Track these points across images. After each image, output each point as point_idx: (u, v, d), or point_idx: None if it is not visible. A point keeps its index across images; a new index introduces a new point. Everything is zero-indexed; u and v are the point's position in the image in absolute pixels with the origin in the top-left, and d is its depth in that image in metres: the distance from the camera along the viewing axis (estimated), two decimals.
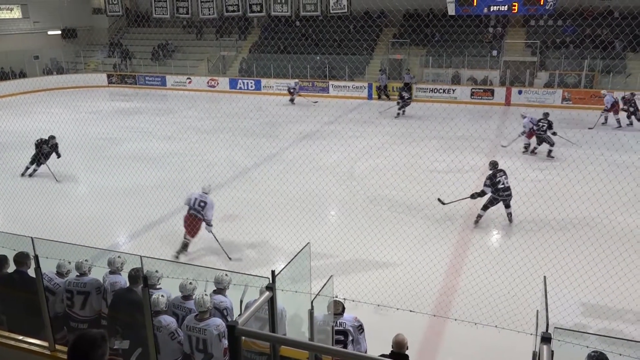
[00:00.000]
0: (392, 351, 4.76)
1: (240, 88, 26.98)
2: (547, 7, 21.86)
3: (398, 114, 20.14)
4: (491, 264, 7.72)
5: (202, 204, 8.58)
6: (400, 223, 9.72)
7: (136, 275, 5.09)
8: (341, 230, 8.84)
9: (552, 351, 4.06)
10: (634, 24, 22.05)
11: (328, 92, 25.05)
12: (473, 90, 23.03)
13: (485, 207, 9.82)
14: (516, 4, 22.26)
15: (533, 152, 15.07)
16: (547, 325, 4.10)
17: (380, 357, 3.61)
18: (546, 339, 4.12)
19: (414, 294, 6.77)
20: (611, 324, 6.48)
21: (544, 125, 14.51)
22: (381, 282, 7.29)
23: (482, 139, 15.68)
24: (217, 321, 4.80)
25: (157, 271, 5.36)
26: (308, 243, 5.08)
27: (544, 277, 4.70)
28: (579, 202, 9.85)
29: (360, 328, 5.11)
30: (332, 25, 26.98)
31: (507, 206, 9.94)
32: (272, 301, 4.10)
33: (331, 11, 24.70)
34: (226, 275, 5.40)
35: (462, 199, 10.05)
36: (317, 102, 22.45)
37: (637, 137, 16.50)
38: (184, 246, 8.69)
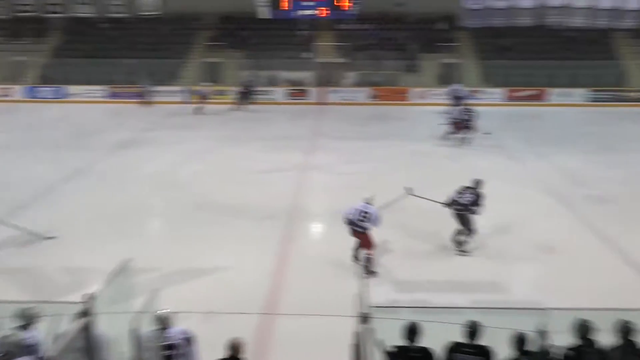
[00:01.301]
0: (230, 356, 4.72)
1: (43, 97, 24.36)
2: (351, 12, 23.69)
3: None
4: (313, 255, 8.11)
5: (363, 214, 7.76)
6: (226, 226, 9.67)
7: None
8: (164, 241, 8.54)
9: (371, 328, 4.43)
10: (422, 28, 24.94)
11: (143, 98, 23.85)
12: (289, 91, 23.84)
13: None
14: (324, 8, 23.73)
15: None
16: (365, 305, 4.45)
17: None
18: (364, 318, 4.48)
19: (242, 296, 6.82)
20: (418, 296, 7.23)
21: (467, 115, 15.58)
22: (210, 289, 7.20)
23: (301, 138, 16.36)
24: None
25: None
26: (127, 259, 4.82)
27: (359, 262, 5.09)
28: (385, 189, 10.82)
29: (190, 340, 4.98)
30: (142, 28, 25.83)
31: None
32: (87, 328, 3.81)
33: (141, 13, 23.70)
34: (28, 308, 4.83)
35: (436, 201, 9.06)
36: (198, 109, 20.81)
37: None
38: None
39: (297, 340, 6.18)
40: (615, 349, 4.27)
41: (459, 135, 15.67)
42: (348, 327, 4.96)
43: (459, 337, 4.59)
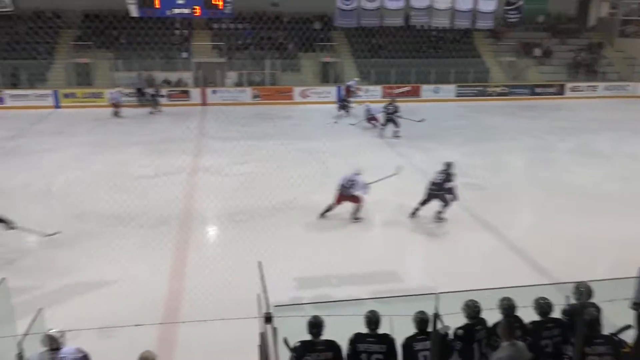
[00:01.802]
0: None
1: None
2: (226, 11, 23.39)
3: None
4: (211, 259, 7.94)
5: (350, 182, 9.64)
6: (112, 236, 9.11)
7: None
8: (44, 256, 7.86)
9: (276, 328, 4.43)
10: (298, 28, 25.35)
11: (3, 103, 21.70)
12: (169, 92, 23.03)
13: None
14: (198, 7, 23.16)
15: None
16: (268, 305, 4.44)
17: None
18: (268, 318, 4.47)
19: (139, 308, 6.50)
20: (320, 291, 7.38)
21: (391, 109, 16.62)
22: (102, 302, 6.77)
23: (184, 140, 15.86)
24: None
25: None
26: (3, 279, 4.38)
27: (259, 262, 5.08)
28: (278, 188, 10.91)
29: (85, 358, 4.65)
30: None
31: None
32: None
33: None
34: None
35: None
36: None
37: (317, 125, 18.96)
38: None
39: (202, 347, 6.01)
40: (501, 325, 4.67)
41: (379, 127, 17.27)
42: (253, 328, 4.93)
43: (363, 328, 4.74)
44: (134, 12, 21.47)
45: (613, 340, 4.76)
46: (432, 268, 8.31)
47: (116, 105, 20.13)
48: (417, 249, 9.21)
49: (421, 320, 4.71)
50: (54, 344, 4.53)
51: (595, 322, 4.76)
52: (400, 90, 24.19)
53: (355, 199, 9.85)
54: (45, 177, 12.37)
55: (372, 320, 4.71)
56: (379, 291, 7.31)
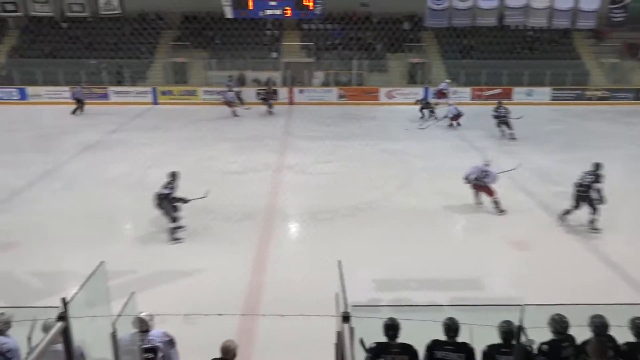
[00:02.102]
0: (220, 358, 4.66)
1: (1, 98, 23.58)
2: (316, 12, 23.72)
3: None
4: (292, 256, 8.10)
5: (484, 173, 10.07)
6: (200, 228, 9.56)
7: None
8: (139, 243, 8.38)
9: (352, 327, 4.44)
10: (387, 28, 25.21)
11: (108, 99, 23.38)
12: (258, 91, 23.72)
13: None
14: (289, 8, 23.68)
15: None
16: (346, 305, 4.45)
17: None
18: (346, 317, 4.47)
19: (222, 298, 6.76)
20: (398, 294, 7.30)
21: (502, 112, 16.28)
22: (188, 291, 7.10)
23: (271, 137, 16.29)
24: None
25: None
26: (102, 262, 4.71)
27: (339, 261, 5.10)
28: (361, 188, 10.92)
29: (170, 342, 4.91)
30: (103, 28, 25.28)
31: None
32: (66, 332, 3.71)
33: (102, 12, 23.17)
34: (1, 313, 4.70)
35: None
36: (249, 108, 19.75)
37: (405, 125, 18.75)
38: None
39: (280, 340, 6.15)
40: (591, 344, 4.39)
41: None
42: (330, 326, 4.96)
43: (439, 335, 4.64)
44: (228, 13, 22.36)
45: None
46: (518, 278, 7.95)
47: (229, 104, 20.42)
48: (501, 257, 8.84)
49: (507, 331, 4.52)
50: (143, 327, 4.82)
51: None
52: (491, 92, 23.36)
53: (489, 191, 10.14)
54: (141, 169, 13.18)
55: (452, 327, 4.60)
56: (459, 298, 7.12)
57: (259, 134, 16.60)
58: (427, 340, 4.62)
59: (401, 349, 4.59)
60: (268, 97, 21.29)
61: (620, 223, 10.41)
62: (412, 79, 24.94)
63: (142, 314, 4.85)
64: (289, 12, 23.36)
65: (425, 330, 4.60)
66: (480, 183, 10.23)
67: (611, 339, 4.55)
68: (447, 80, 21.99)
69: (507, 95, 23.42)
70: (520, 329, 4.42)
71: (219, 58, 24.90)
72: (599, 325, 4.55)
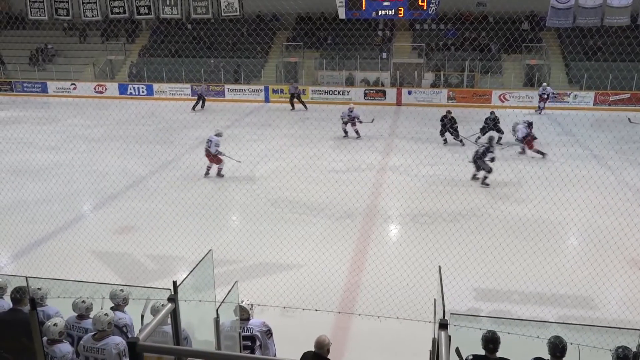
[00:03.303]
0: (316, 353, 4.75)
1: (131, 93, 25.83)
2: (430, 12, 23.18)
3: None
4: (390, 257, 8.03)
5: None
6: (302, 224, 9.80)
7: (19, 297, 4.71)
8: (244, 235, 8.76)
9: (450, 336, 4.31)
10: (505, 28, 24.08)
11: (224, 96, 24.72)
12: (366, 91, 23.81)
13: None
14: (402, 8, 23.32)
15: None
16: (444, 312, 4.33)
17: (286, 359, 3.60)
18: (443, 325, 4.35)
19: (319, 293, 6.87)
20: (500, 306, 6.99)
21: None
22: (286, 284, 7.31)
23: (377, 138, 16.27)
24: (117, 339, 4.56)
25: (39, 288, 4.99)
26: (210, 250, 4.98)
27: (439, 266, 4.96)
28: (466, 194, 10.56)
29: (268, 332, 5.08)
30: (224, 28, 26.68)
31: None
32: (175, 313, 3.97)
33: (223, 14, 24.45)
34: (121, 290, 5.14)
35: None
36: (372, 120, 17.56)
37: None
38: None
39: (374, 341, 6.15)
40: None
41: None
42: (425, 332, 4.86)
43: (542, 352, 4.37)
44: (342, 14, 22.63)
45: None
46: (636, 300, 7.26)
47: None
48: (619, 275, 8.11)
49: (621, 356, 4.16)
50: (244, 315, 5.04)
51: None
52: (618, 97, 21.53)
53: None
54: (251, 164, 13.77)
55: (558, 347, 4.31)
56: (568, 316, 6.66)
57: (365, 134, 16.63)
58: (528, 357, 4.38)
59: None
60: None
61: None
62: (529, 82, 23.68)
63: (243, 303, 5.07)
64: (401, 12, 23.09)
65: (527, 346, 4.37)
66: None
67: None
68: (544, 84, 20.58)
69: (638, 100, 21.48)
70: (638, 355, 4.05)
71: (330, 58, 25.32)
72: None
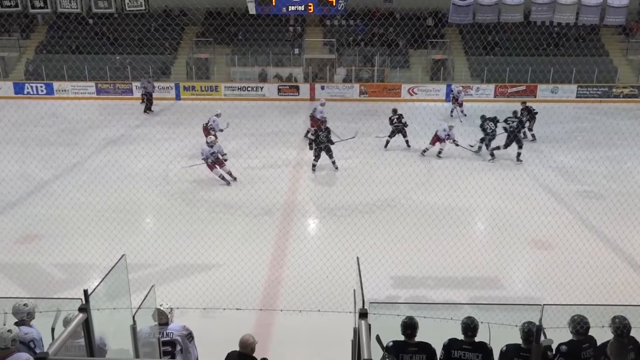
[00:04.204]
0: (241, 352, 4.70)
1: (29, 93, 24.09)
2: (339, 8, 23.63)
3: None
4: (309, 252, 8.10)
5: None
6: (220, 223, 9.66)
7: None
8: (159, 237, 8.47)
9: (370, 324, 4.43)
10: (410, 25, 24.98)
11: (132, 94, 23.71)
12: (279, 87, 23.80)
13: None
14: (312, 4, 23.60)
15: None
16: (363, 301, 4.44)
17: None
18: (363, 314, 4.46)
19: (240, 292, 6.81)
20: (416, 292, 7.28)
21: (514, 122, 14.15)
22: (205, 284, 7.16)
23: (291, 133, 16.33)
24: (23, 356, 4.25)
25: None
26: (123, 255, 4.79)
27: (357, 257, 5.09)
28: (380, 185, 10.87)
29: (189, 336, 4.96)
30: (128, 24, 25.58)
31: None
32: (87, 323, 3.78)
33: (127, 8, 23.46)
34: (25, 304, 4.80)
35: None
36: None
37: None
38: None
39: (297, 335, 6.19)
40: (612, 346, 4.31)
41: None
42: (346, 323, 4.96)
43: (457, 333, 4.60)
44: (252, 9, 22.43)
45: None
46: (538, 277, 7.84)
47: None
48: (522, 256, 8.74)
49: (527, 331, 4.47)
50: (163, 319, 4.89)
51: None
52: (515, 89, 23.04)
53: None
54: (164, 164, 13.33)
55: (470, 327, 4.55)
56: (478, 297, 7.06)
57: (280, 129, 16.62)
58: (444, 339, 4.59)
59: (419, 348, 4.56)
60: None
61: None
62: (434, 76, 24.74)
63: (161, 307, 4.91)
64: (311, 8, 23.33)
65: (443, 328, 4.57)
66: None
67: (632, 341, 4.46)
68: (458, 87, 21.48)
69: (532, 92, 23.10)
70: (540, 329, 4.36)
71: (242, 54, 25.04)
72: (620, 327, 4.45)
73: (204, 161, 11.86)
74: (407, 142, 15.10)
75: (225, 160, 11.90)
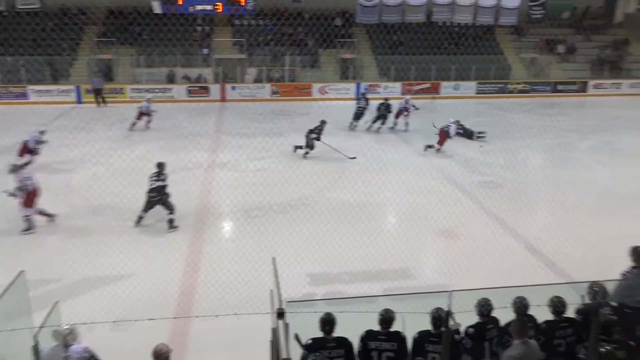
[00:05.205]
0: None
1: None
2: (247, 8, 23.47)
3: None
4: (225, 255, 8.00)
5: None
6: (129, 231, 9.26)
7: None
8: (62, 250, 8.00)
9: (288, 323, 4.44)
10: (319, 24, 25.34)
11: (27, 98, 22.13)
12: (189, 88, 23.20)
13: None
14: (220, 4, 23.27)
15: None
16: (280, 301, 4.45)
17: None
18: (280, 314, 4.48)
19: (153, 301, 6.59)
20: (333, 288, 7.39)
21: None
22: (115, 296, 6.86)
23: (202, 135, 16.00)
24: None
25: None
26: (22, 272, 4.48)
27: (273, 258, 5.09)
28: (293, 184, 10.93)
29: (91, 359, 4.70)
30: (19, 23, 23.86)
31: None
32: None
33: (18, 6, 21.87)
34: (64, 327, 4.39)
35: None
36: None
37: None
38: None
39: (215, 341, 6.07)
40: (513, 324, 4.63)
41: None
42: (265, 324, 4.95)
43: (375, 325, 4.72)
44: (157, 8, 21.71)
45: (627, 344, 4.67)
46: (446, 266, 8.24)
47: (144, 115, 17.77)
48: (430, 246, 9.15)
49: (436, 316, 4.67)
50: (65, 340, 4.60)
51: (610, 324, 4.67)
52: (420, 87, 24.01)
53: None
54: (65, 171, 12.59)
55: (385, 318, 4.69)
56: (392, 288, 7.29)
57: (190, 132, 16.24)
58: (363, 331, 4.69)
59: (337, 343, 4.63)
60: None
61: (539, 209, 11.01)
62: (344, 75, 25.21)
63: (61, 327, 4.62)
64: (220, 7, 22.98)
65: (360, 322, 4.67)
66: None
67: (531, 319, 4.81)
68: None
69: (435, 89, 24.17)
70: (448, 314, 4.59)
71: (147, 54, 24.15)
72: (520, 306, 4.80)
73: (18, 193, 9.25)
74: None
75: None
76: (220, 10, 23.08)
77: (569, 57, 26.61)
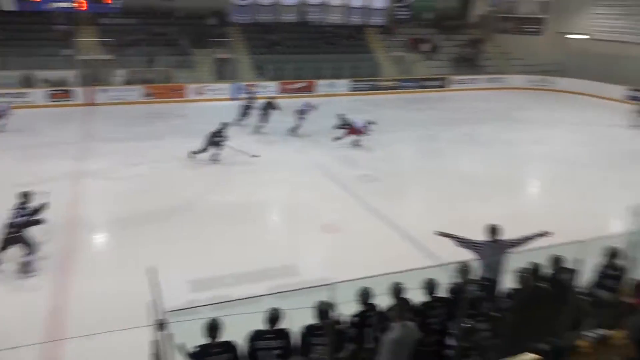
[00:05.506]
0: None
1: None
2: (114, 6, 22.17)
3: None
4: (99, 269, 7.50)
5: None
6: None
7: None
8: None
9: (172, 334, 4.25)
10: (192, 24, 24.72)
11: None
12: (51, 92, 21.41)
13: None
14: (83, 1, 21.74)
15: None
16: (159, 311, 4.25)
17: None
18: (160, 324, 4.29)
19: (14, 329, 5.97)
20: (217, 292, 7.20)
21: None
22: None
23: (67, 143, 14.84)
24: None
25: None
26: None
27: (151, 267, 4.84)
28: (173, 189, 10.55)
29: None
30: None
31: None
32: None
33: None
34: None
35: None
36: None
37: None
38: None
39: None
40: (391, 309, 4.85)
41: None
42: (145, 337, 4.71)
43: (262, 324, 4.70)
44: (8, 5, 19.79)
45: (494, 317, 5.09)
46: (328, 260, 8.45)
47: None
48: (312, 242, 9.29)
49: (320, 309, 4.77)
50: None
51: (477, 299, 5.06)
52: (297, 85, 24.34)
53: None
54: None
55: (270, 317, 4.71)
56: (277, 286, 7.25)
57: (53, 139, 14.98)
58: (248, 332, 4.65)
59: (223, 348, 4.56)
60: None
61: (412, 199, 11.69)
62: (220, 75, 24.80)
63: None
64: (83, 5, 21.49)
65: (247, 323, 4.63)
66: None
67: (407, 302, 5.07)
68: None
69: (311, 88, 24.64)
70: (329, 306, 4.69)
71: (1, 55, 21.88)
72: (396, 291, 5.05)
73: None
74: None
75: None
76: (84, 8, 21.62)
77: (432, 55, 28.46)
